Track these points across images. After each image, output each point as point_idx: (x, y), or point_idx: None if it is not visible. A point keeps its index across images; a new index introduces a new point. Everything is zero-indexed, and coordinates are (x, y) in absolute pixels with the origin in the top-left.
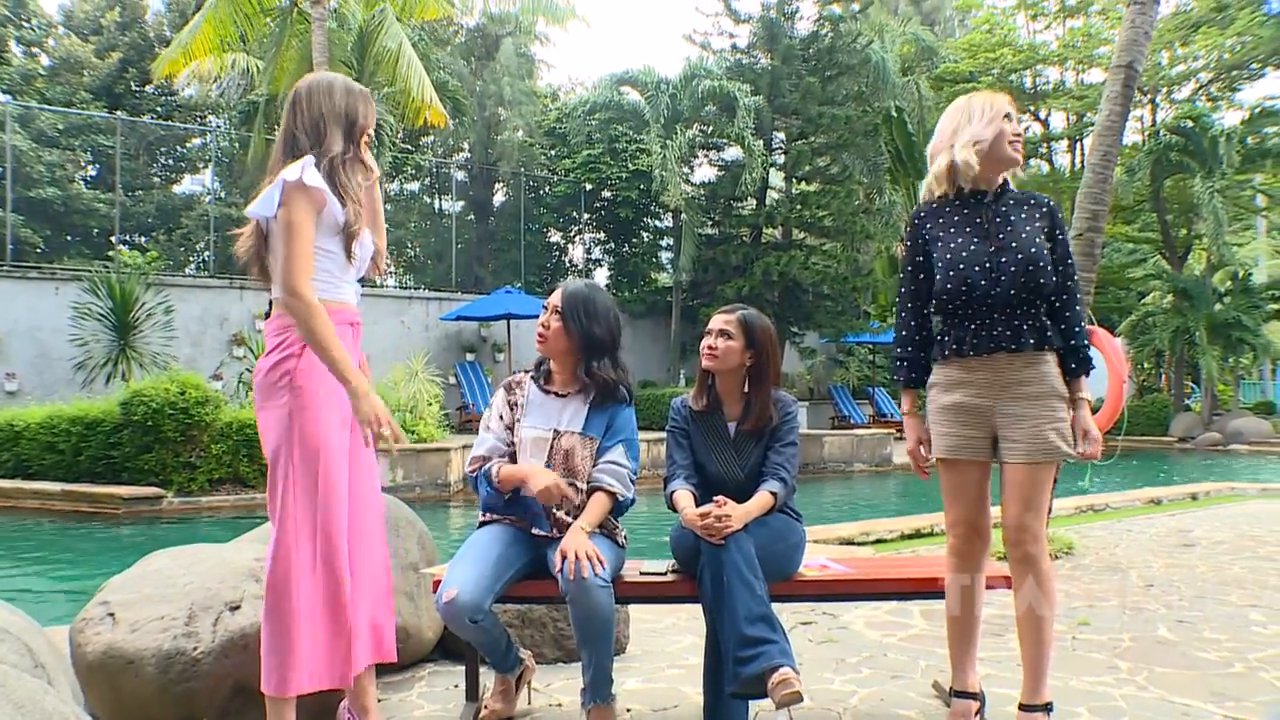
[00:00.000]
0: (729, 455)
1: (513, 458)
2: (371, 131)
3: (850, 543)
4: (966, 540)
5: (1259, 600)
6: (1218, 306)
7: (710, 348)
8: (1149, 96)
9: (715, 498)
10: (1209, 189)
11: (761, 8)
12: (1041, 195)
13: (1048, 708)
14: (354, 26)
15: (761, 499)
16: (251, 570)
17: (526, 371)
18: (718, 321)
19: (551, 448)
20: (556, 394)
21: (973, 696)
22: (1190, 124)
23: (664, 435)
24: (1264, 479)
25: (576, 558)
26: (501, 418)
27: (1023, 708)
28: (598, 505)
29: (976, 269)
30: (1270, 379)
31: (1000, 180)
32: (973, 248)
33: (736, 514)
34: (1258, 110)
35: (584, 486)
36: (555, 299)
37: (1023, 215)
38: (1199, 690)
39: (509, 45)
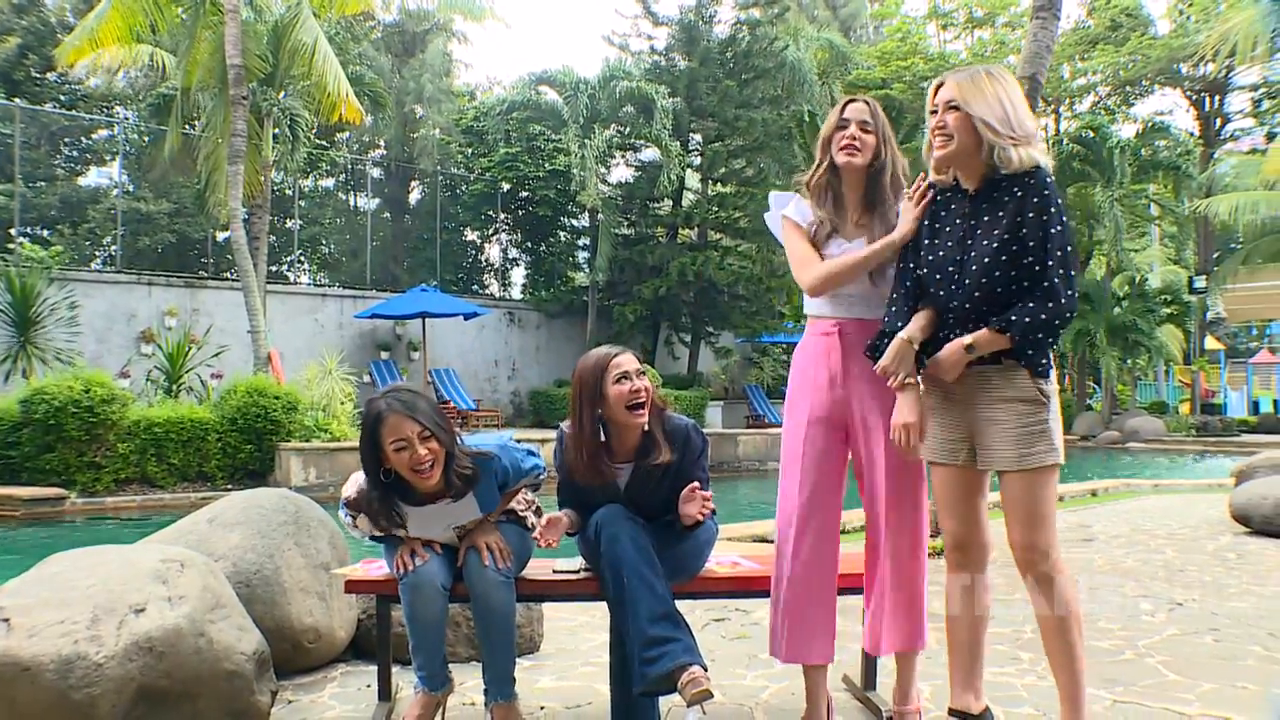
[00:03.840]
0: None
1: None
2: (851, 133)
3: (764, 540)
4: (957, 548)
5: (1148, 591)
6: (1116, 310)
7: (636, 392)
8: (1053, 107)
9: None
10: (1108, 197)
11: (680, 11)
12: (1029, 171)
13: None
14: (269, 19)
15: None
16: (157, 571)
17: (369, 499)
18: (625, 363)
19: (457, 534)
20: (431, 502)
21: (970, 718)
22: (1091, 134)
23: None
24: (1157, 475)
25: (487, 549)
26: (371, 528)
27: None
28: (505, 498)
29: (939, 277)
30: (1164, 380)
31: (982, 172)
32: (941, 254)
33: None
34: (1149, 125)
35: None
36: (411, 427)
37: (998, 213)
38: (1092, 677)
39: (437, 43)
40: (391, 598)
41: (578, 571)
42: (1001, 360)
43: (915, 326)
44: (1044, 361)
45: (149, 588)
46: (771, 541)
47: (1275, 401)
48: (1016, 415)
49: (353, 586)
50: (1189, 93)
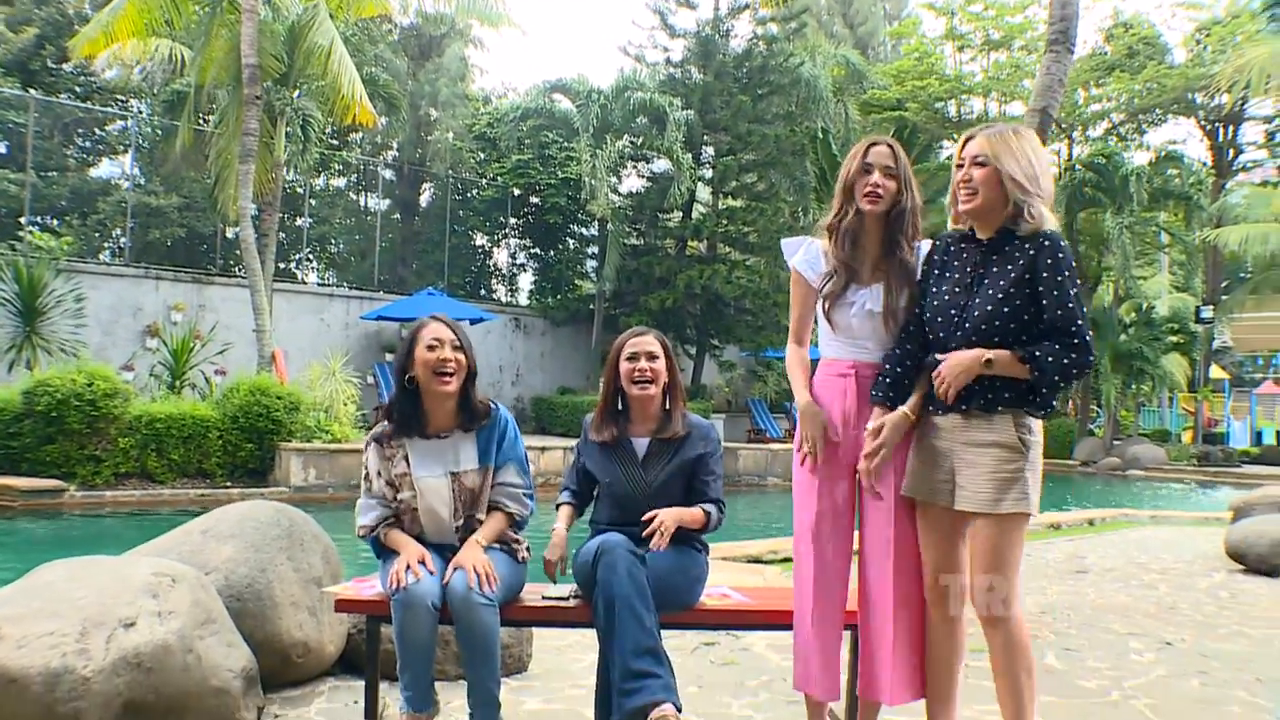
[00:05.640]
0: (636, 473)
1: (398, 516)
2: (874, 177)
3: (758, 560)
4: (937, 588)
5: (1139, 628)
6: (1122, 337)
7: (643, 371)
8: (1066, 132)
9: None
10: (1119, 224)
11: (697, 24)
12: (1043, 233)
13: None
14: (286, 19)
15: (694, 512)
16: (148, 585)
17: (385, 426)
18: (640, 344)
19: (453, 490)
20: (438, 436)
21: None
22: (1103, 161)
23: (576, 441)
24: (1156, 506)
25: (473, 571)
26: (380, 474)
27: None
28: (495, 522)
29: (940, 319)
30: (1168, 407)
31: (999, 225)
32: (946, 298)
33: (668, 516)
34: (1162, 154)
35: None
36: (448, 333)
37: (1007, 265)
38: (1076, 719)
39: (454, 48)
40: (382, 618)
41: (568, 598)
42: (995, 409)
43: (915, 402)
44: (1052, 404)
45: (139, 602)
46: (764, 562)
47: (1278, 432)
48: (994, 460)
49: (343, 606)
50: (1203, 122)
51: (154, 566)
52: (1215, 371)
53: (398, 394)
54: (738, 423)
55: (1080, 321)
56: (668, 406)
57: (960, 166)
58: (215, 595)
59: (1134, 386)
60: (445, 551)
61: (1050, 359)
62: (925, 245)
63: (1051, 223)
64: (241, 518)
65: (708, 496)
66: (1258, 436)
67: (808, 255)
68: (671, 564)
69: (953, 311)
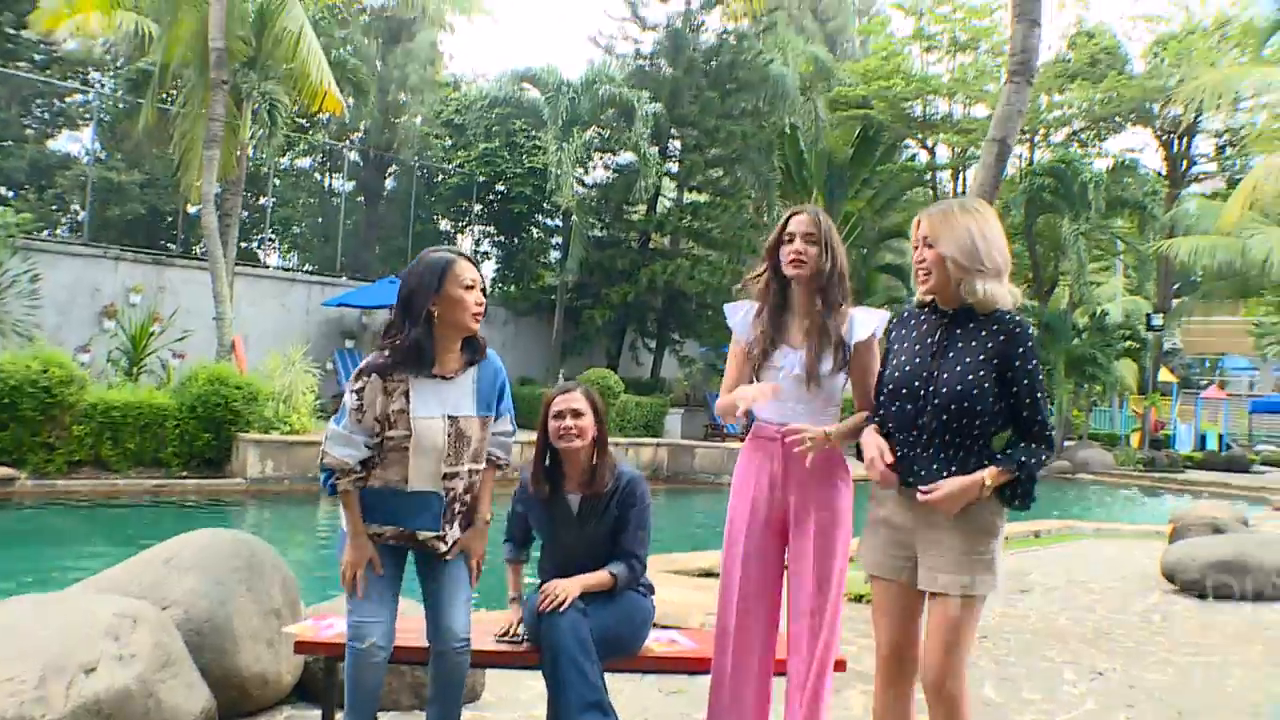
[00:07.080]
0: (574, 531)
1: (366, 466)
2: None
3: (710, 574)
4: (890, 662)
5: (1074, 656)
6: (1075, 342)
7: (568, 429)
8: (1028, 136)
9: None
10: (1074, 231)
11: (667, 18)
12: (1008, 316)
13: None
14: (256, 1)
15: (600, 576)
16: (110, 627)
17: (386, 358)
18: (564, 402)
19: (448, 435)
20: (442, 377)
21: None
22: (1063, 167)
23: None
24: (1102, 514)
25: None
26: (375, 407)
27: None
28: (489, 485)
29: (905, 391)
30: (1118, 409)
31: (960, 300)
32: (908, 369)
33: (569, 586)
34: (1120, 162)
35: (479, 467)
36: (479, 275)
37: (973, 342)
38: None
39: (426, 34)
40: (340, 658)
41: (520, 641)
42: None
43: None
44: (1033, 498)
45: (101, 644)
46: (717, 576)
47: (1220, 437)
48: (964, 541)
49: (302, 648)
50: (1159, 133)
51: (116, 606)
52: (1164, 374)
53: (419, 328)
54: (696, 417)
55: (1047, 418)
56: (594, 461)
57: (917, 247)
58: (176, 634)
59: (1086, 388)
60: (428, 499)
61: (1033, 461)
62: (881, 317)
63: (1005, 299)
64: (202, 548)
65: (624, 558)
66: (1201, 440)
67: (745, 319)
68: (615, 613)
69: (916, 383)
